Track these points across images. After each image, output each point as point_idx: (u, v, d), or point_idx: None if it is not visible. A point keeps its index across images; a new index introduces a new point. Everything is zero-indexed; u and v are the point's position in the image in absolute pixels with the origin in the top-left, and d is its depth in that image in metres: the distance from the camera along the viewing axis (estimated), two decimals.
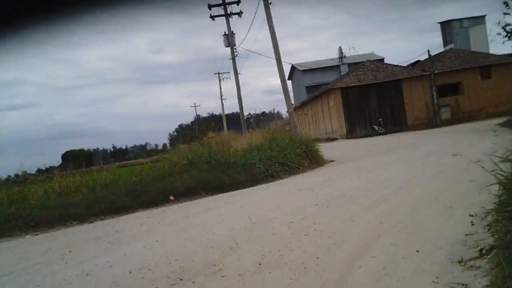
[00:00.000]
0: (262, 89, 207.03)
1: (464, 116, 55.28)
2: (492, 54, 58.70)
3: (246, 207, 15.19)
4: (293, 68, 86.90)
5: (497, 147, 23.21)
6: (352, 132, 56.33)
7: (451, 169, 17.81)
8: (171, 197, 20.04)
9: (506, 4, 32.36)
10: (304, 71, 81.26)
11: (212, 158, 25.12)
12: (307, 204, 14.17)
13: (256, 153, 25.64)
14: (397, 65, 59.58)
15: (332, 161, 29.59)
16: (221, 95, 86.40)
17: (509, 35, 34.00)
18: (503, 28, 33.75)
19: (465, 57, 58.17)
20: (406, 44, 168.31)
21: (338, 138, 56.41)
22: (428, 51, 57.83)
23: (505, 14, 32.85)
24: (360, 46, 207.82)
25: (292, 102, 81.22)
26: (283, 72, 30.34)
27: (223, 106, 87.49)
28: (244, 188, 21.72)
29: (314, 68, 79.66)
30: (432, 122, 55.36)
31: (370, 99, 56.43)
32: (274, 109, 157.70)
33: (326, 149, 32.37)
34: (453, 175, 16.35)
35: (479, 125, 44.64)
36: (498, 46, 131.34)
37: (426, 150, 26.88)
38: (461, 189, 13.66)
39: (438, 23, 67.00)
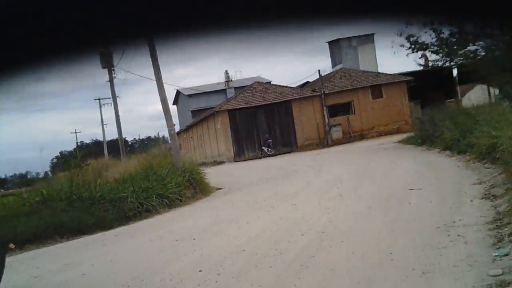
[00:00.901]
0: (148, 115, 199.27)
1: (356, 135, 52.22)
2: (382, 73, 56.27)
3: (81, 282, 9.42)
4: (178, 93, 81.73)
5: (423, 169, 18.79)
6: (240, 154, 52.23)
7: (383, 202, 12.81)
8: (11, 246, 14.79)
9: None
10: (189, 95, 76.59)
11: (73, 192, 19.72)
12: (185, 270, 8.68)
13: (129, 184, 20.55)
14: (286, 86, 56.14)
15: (220, 188, 24.50)
16: (102, 121, 79.97)
17: (413, 47, 29.87)
18: (407, 39, 29.57)
19: (356, 76, 55.45)
20: (293, 68, 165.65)
21: (225, 161, 51.83)
22: (319, 71, 54.87)
23: (407, 24, 28.42)
24: (246, 70, 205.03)
25: (178, 127, 76.53)
26: (163, 88, 25.13)
27: (104, 132, 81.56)
28: (112, 228, 16.93)
29: (200, 93, 74.94)
30: (323, 142, 51.88)
31: (259, 120, 52.77)
32: (158, 133, 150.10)
33: (213, 174, 27.31)
34: (391, 212, 11.39)
35: (373, 143, 41.29)
36: (386, 66, 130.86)
37: (333, 174, 21.69)
38: (417, 236, 8.81)
39: (327, 42, 63.67)
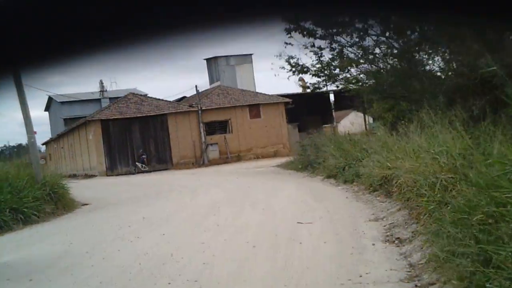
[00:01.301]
0: (20, 121, 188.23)
1: (233, 156, 50.51)
2: (261, 93, 54.95)
3: None
4: (50, 99, 76.88)
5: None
6: (112, 168, 49.47)
7: (268, 239, 10.62)
8: None
9: (287, 31, 25.45)
10: (62, 103, 72.20)
11: None
12: None
13: None
14: (162, 99, 53.71)
15: (86, 204, 21.99)
16: None
17: (293, 69, 28.17)
18: (287, 61, 27.87)
19: (233, 94, 53.79)
20: (171, 83, 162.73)
21: (97, 175, 48.75)
22: (196, 86, 52.86)
23: (287, 44, 26.49)
24: (122, 82, 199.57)
25: (49, 135, 71.84)
26: (23, 91, 22.05)
27: None
28: None
29: (74, 100, 70.73)
30: (199, 161, 49.97)
31: (133, 133, 50.21)
32: None
33: (81, 188, 25.08)
34: (280, 255, 9.23)
35: (251, 165, 39.48)
36: (267, 88, 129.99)
37: (210, 198, 19.31)
38: None
39: (204, 59, 61.65)
